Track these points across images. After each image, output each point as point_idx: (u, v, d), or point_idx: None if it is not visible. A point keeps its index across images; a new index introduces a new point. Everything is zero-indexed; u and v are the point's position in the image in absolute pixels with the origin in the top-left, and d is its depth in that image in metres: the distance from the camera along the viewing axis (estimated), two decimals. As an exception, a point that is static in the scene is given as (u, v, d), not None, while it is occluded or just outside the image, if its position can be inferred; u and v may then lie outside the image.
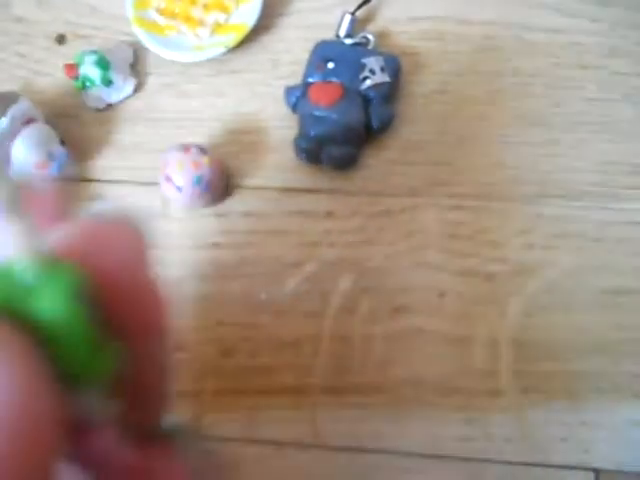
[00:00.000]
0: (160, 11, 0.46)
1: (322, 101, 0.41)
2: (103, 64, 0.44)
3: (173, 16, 0.46)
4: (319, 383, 0.40)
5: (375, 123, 0.42)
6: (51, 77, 0.47)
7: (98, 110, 0.46)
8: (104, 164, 0.45)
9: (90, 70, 0.44)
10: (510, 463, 0.38)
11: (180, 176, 0.40)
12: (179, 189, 0.40)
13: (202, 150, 0.41)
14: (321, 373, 0.40)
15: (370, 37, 0.44)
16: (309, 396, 0.40)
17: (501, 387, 0.39)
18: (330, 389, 0.40)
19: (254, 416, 0.40)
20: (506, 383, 0.39)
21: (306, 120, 0.42)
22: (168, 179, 0.40)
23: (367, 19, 0.46)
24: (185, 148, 0.40)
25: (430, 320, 0.40)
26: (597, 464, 0.37)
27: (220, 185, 0.43)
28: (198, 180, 0.40)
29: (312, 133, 0.41)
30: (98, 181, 0.45)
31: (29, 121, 0.42)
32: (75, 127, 0.46)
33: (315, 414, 0.40)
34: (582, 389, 0.38)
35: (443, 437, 0.38)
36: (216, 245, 0.43)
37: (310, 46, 0.44)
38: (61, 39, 0.48)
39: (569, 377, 0.39)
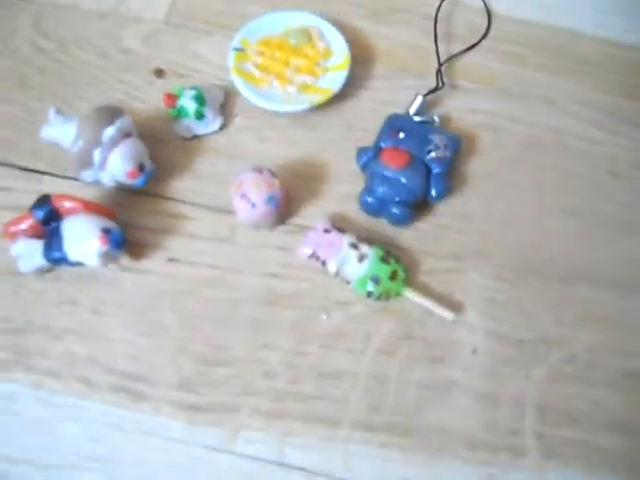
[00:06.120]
0: (257, 66, 0.52)
1: (393, 164, 0.46)
2: (200, 100, 0.49)
3: (268, 72, 0.52)
4: (352, 417, 0.42)
5: (434, 192, 0.47)
6: (145, 104, 0.53)
7: (185, 139, 0.51)
8: (182, 186, 0.49)
9: (188, 103, 0.49)
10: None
11: (255, 193, 0.44)
12: (254, 205, 0.44)
13: (272, 173, 0.45)
14: (355, 408, 0.43)
15: (436, 118, 0.50)
16: (342, 429, 0.42)
17: (523, 447, 0.42)
18: (362, 424, 0.42)
19: (287, 441, 0.42)
20: (529, 444, 0.42)
21: (375, 178, 0.47)
22: (244, 196, 0.44)
23: (433, 103, 0.53)
24: (258, 170, 0.45)
25: (462, 373, 0.44)
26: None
27: (285, 208, 0.47)
28: (270, 199, 0.44)
29: (379, 191, 0.46)
30: (173, 199, 0.49)
31: (127, 135, 0.46)
32: (161, 150, 0.50)
33: (347, 448, 0.42)
34: (598, 462, 0.41)
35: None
36: (274, 275, 0.46)
37: (381, 117, 0.50)
38: (160, 73, 0.54)
39: (587, 448, 0.42)
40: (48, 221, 0.44)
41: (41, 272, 0.45)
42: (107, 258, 0.43)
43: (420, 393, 0.43)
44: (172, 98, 0.50)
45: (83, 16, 0.57)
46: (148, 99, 0.53)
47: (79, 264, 0.44)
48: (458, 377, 0.43)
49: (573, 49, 0.57)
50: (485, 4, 0.58)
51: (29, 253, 0.44)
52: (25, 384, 0.43)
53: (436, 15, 0.57)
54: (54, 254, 0.43)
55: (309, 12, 0.55)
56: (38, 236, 0.44)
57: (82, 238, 0.42)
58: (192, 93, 0.49)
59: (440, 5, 0.57)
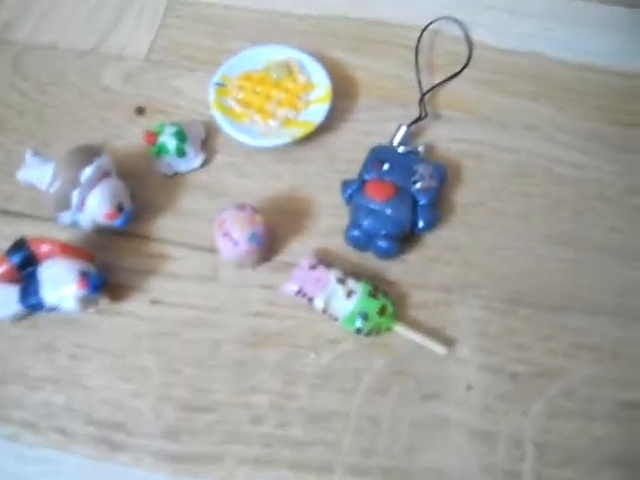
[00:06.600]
0: (238, 101, 0.51)
1: (378, 196, 0.46)
2: (181, 136, 0.49)
3: (249, 106, 0.51)
4: (345, 462, 0.41)
5: (422, 223, 0.46)
6: (125, 141, 0.52)
7: (166, 176, 0.50)
8: (163, 225, 0.48)
9: (168, 140, 0.48)
10: None
11: (238, 231, 0.43)
12: (236, 243, 0.43)
13: (255, 210, 0.44)
14: (348, 451, 0.41)
15: (420, 148, 0.50)
16: (334, 474, 0.40)
17: (523, 488, 0.40)
18: (356, 470, 0.40)
19: (276, 488, 0.40)
20: (528, 484, 0.40)
21: (360, 212, 0.46)
22: (226, 234, 0.43)
23: (417, 133, 0.53)
24: (241, 207, 0.44)
25: (457, 411, 0.42)
26: None
27: (268, 244, 0.46)
28: (253, 236, 0.43)
29: (365, 224, 0.45)
30: (155, 239, 0.48)
31: (106, 174, 0.45)
32: (142, 188, 0.49)
33: (338, 493, 0.40)
34: (601, 500, 0.40)
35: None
36: (259, 314, 0.45)
37: (364, 149, 0.50)
38: (141, 111, 0.53)
39: (589, 485, 0.40)
40: (24, 266, 0.42)
41: (16, 319, 0.44)
42: (86, 302, 0.42)
43: (414, 433, 0.41)
44: (152, 135, 0.49)
45: (62, 56, 0.57)
46: (129, 137, 0.52)
47: (56, 309, 0.42)
48: (453, 415, 0.42)
49: (554, 76, 0.57)
50: (466, 33, 0.59)
51: (4, 299, 0.42)
52: (1, 437, 0.41)
53: (417, 45, 0.57)
54: (31, 300, 0.42)
55: (289, 46, 0.55)
56: (14, 281, 0.43)
57: (60, 282, 0.41)
58: (172, 129, 0.49)
59: (421, 35, 0.58)
